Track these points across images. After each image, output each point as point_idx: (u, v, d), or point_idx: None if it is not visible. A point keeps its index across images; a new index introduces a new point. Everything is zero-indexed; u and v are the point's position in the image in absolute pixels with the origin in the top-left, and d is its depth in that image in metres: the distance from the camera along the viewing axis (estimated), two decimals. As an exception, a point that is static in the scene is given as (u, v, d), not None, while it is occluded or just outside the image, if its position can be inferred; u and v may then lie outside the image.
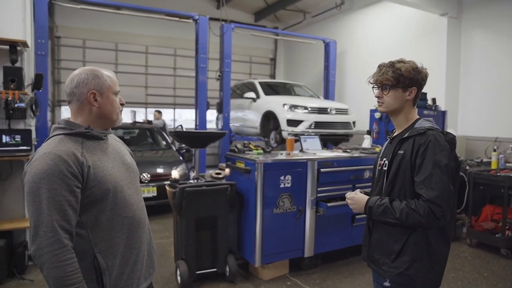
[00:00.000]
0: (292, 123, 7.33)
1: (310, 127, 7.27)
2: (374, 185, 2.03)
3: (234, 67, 8.94)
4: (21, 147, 4.23)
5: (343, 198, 4.21)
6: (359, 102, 9.11)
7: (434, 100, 5.60)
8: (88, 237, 1.55)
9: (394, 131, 2.06)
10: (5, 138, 4.19)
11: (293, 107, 7.46)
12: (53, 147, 1.51)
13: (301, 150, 4.82)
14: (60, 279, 1.41)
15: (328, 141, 7.72)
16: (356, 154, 4.71)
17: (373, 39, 9.31)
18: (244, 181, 4.13)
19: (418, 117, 1.95)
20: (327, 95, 9.68)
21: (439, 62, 7.29)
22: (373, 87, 1.98)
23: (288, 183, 4.06)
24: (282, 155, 4.44)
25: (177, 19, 8.33)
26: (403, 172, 1.83)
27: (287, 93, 9.18)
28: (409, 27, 8.36)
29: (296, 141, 5.11)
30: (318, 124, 7.31)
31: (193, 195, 3.82)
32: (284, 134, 7.24)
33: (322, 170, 4.21)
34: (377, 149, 4.95)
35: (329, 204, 4.13)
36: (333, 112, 7.55)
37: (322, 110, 7.50)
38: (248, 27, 9.57)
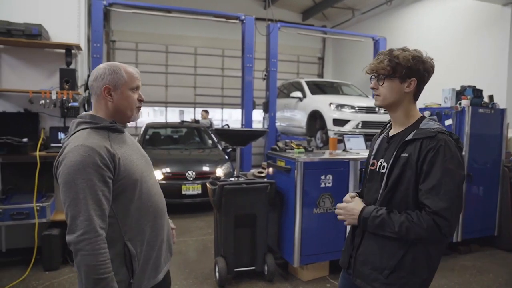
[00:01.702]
0: (339, 122, 7.18)
1: (357, 126, 7.09)
2: (367, 189, 1.82)
3: (281, 66, 8.93)
4: (74, 144, 4.48)
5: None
6: (410, 101, 8.72)
7: (491, 97, 5.22)
8: (118, 226, 1.60)
9: (387, 125, 1.87)
10: (60, 135, 4.47)
11: (340, 106, 7.31)
12: (83, 140, 1.55)
13: (345, 150, 4.69)
14: (92, 268, 1.45)
15: (376, 142, 7.46)
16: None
17: (426, 34, 8.88)
18: (284, 180, 4.09)
19: (421, 115, 1.75)
20: (376, 94, 9.36)
21: (501, 56, 6.82)
22: (370, 78, 1.75)
23: (329, 183, 3.97)
24: (323, 155, 4.35)
25: (224, 20, 8.46)
26: (407, 178, 1.61)
27: (334, 92, 9.01)
28: (467, 20, 7.87)
29: (340, 141, 4.99)
30: (365, 124, 7.10)
31: (232, 193, 3.85)
32: (330, 133, 7.11)
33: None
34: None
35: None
36: (382, 111, 7.29)
37: (370, 110, 7.28)
38: (294, 26, 9.50)
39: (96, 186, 1.50)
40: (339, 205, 1.82)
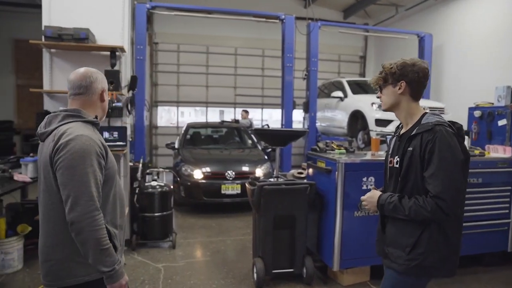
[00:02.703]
0: (381, 122, 6.95)
1: (400, 127, 6.82)
2: (388, 184, 2.10)
3: (321, 66, 8.79)
4: (118, 143, 4.62)
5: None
6: (458, 101, 8.29)
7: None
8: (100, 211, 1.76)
9: (400, 126, 2.14)
10: (105, 134, 4.61)
11: (383, 106, 7.06)
12: (81, 130, 1.74)
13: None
14: (99, 240, 1.64)
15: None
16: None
17: (476, 30, 8.41)
18: (325, 181, 4.00)
19: (424, 111, 1.99)
20: (421, 94, 8.99)
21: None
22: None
23: (371, 185, 3.82)
24: (365, 156, 4.21)
25: (264, 20, 8.45)
26: (414, 169, 1.88)
27: (376, 91, 8.73)
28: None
29: (382, 141, 4.81)
30: (409, 124, 6.82)
31: (271, 193, 3.81)
32: (373, 134, 6.89)
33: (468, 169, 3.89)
34: (476, 152, 4.43)
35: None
36: (427, 111, 6.98)
37: (415, 109, 6.98)
38: (335, 25, 9.33)
39: (96, 172, 1.70)
40: (362, 198, 2.10)
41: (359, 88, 8.65)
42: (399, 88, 1.96)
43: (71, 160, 1.66)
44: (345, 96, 8.22)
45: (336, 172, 3.76)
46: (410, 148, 1.90)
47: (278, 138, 4.22)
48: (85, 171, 1.66)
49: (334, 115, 8.64)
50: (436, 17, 9.66)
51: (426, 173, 1.83)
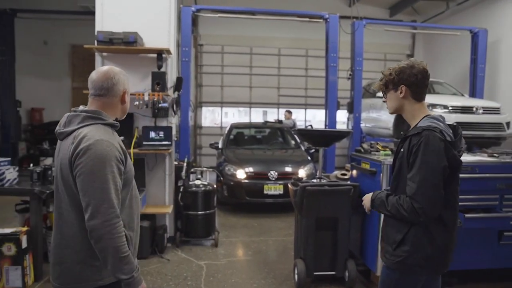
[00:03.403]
0: (429, 123, 6.66)
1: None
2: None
3: (366, 65, 8.58)
4: (164, 142, 4.77)
5: (486, 209, 3.68)
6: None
7: None
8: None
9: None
10: (152, 134, 4.78)
11: (431, 106, 6.79)
12: (101, 134, 1.70)
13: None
14: (118, 248, 1.63)
15: (473, 144, 6.80)
16: (508, 159, 4.02)
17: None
18: (369, 183, 3.89)
19: (426, 114, 2.01)
20: (474, 93, 8.56)
21: None
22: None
23: (418, 188, 3.68)
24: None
25: (307, 19, 8.39)
26: (404, 170, 1.96)
27: (425, 91, 8.39)
28: None
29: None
30: (460, 125, 6.45)
31: (314, 194, 3.76)
32: (420, 135, 6.63)
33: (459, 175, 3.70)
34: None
35: (467, 215, 3.60)
36: (480, 111, 6.62)
37: (466, 109, 6.66)
38: (381, 23, 9.09)
39: (116, 178, 1.68)
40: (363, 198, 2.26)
41: (406, 87, 8.34)
42: (400, 92, 2.01)
43: (92, 166, 1.63)
44: (392, 96, 7.95)
45: (381, 174, 3.65)
46: (402, 150, 1.99)
47: (321, 139, 4.17)
48: (105, 177, 1.64)
49: (379, 116, 8.40)
50: (492, 11, 9.12)
51: (408, 175, 1.91)
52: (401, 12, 11.71)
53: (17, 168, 4.29)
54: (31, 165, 4.69)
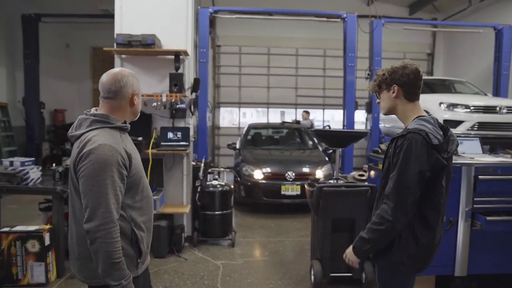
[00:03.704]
0: (450, 123, 6.52)
1: (472, 128, 6.37)
2: None
3: (385, 64, 8.29)
4: (181, 143, 4.82)
5: (509, 212, 3.58)
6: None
7: None
8: (127, 216, 1.80)
9: None
10: (169, 135, 4.84)
11: (452, 106, 6.65)
12: (105, 139, 1.73)
13: (456, 154, 4.23)
14: (109, 253, 1.65)
15: (497, 145, 6.63)
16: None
17: None
18: (386, 184, 3.84)
19: (418, 115, 2.03)
20: (498, 92, 8.34)
21: None
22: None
23: (437, 190, 3.61)
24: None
25: (325, 19, 8.34)
26: (390, 170, 1.96)
27: (445, 90, 8.23)
28: None
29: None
30: (482, 125, 6.34)
31: (330, 195, 3.74)
32: (440, 136, 6.50)
33: (480, 177, 3.61)
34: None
35: (488, 218, 3.51)
36: (504, 111, 6.44)
37: (489, 109, 6.48)
38: (400, 21, 8.95)
39: (116, 183, 1.70)
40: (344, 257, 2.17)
41: (426, 87, 8.17)
42: (393, 92, 2.03)
43: (92, 170, 1.67)
44: (411, 95, 7.83)
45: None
46: (390, 151, 2.02)
47: (338, 139, 4.14)
48: (104, 182, 1.66)
49: (399, 116, 8.26)
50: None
51: (390, 175, 1.94)
52: (421, 10, 11.50)
53: (40, 168, 4.43)
54: (54, 165, 4.82)
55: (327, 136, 4.32)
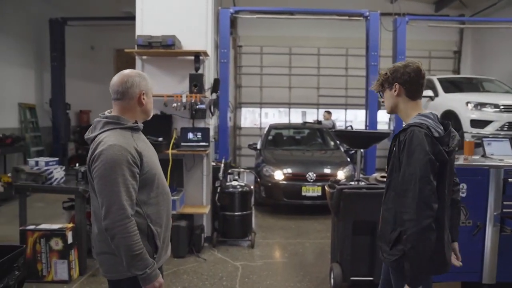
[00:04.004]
0: (478, 123, 6.32)
1: (502, 128, 6.15)
2: None
3: (409, 63, 8.25)
4: (201, 143, 4.84)
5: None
6: None
7: None
8: (143, 213, 1.86)
9: None
10: (189, 135, 4.86)
11: (480, 105, 6.43)
12: (116, 139, 1.80)
13: (484, 155, 4.08)
14: (130, 246, 1.74)
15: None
16: None
17: None
18: (410, 186, 3.73)
19: (418, 112, 2.03)
20: (530, 90, 7.99)
21: None
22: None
23: (462, 193, 3.46)
24: (457, 160, 3.84)
25: (347, 18, 8.22)
26: (396, 167, 1.98)
27: (473, 89, 7.97)
28: None
29: (477, 144, 4.36)
30: (513, 125, 6.11)
31: (351, 197, 3.67)
32: (467, 136, 6.30)
33: (510, 180, 3.46)
34: None
35: (517, 222, 3.37)
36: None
37: (520, 109, 6.22)
38: (425, 18, 8.72)
39: (128, 181, 1.77)
40: None
41: (452, 86, 7.96)
42: (395, 91, 2.06)
43: (103, 170, 1.75)
44: (436, 95, 7.63)
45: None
46: (394, 148, 2.03)
47: (359, 140, 4.05)
48: (116, 181, 1.74)
49: (423, 116, 8.05)
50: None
51: (401, 172, 1.93)
52: (448, 7, 11.18)
53: (64, 168, 4.53)
54: (77, 164, 4.92)
55: (347, 137, 4.23)
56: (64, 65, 9.58)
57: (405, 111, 2.07)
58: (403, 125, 2.04)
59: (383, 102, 2.18)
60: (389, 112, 2.18)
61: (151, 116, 2.03)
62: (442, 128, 1.98)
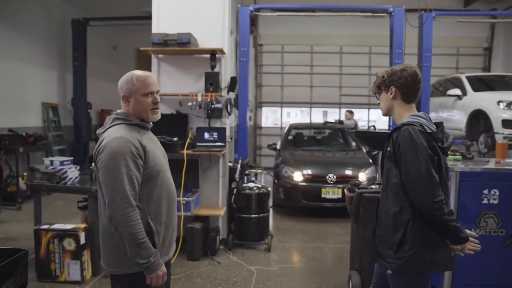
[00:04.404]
0: (510, 124, 5.97)
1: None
2: None
3: (435, 61, 7.93)
4: (217, 143, 4.72)
5: None
6: None
7: None
8: (144, 208, 1.91)
9: None
10: (206, 135, 4.76)
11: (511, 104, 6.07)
12: (121, 133, 1.89)
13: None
14: (133, 235, 1.80)
15: None
16: None
17: None
18: (435, 191, 3.50)
19: (411, 113, 2.07)
20: None
21: None
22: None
23: (494, 199, 3.22)
24: (487, 163, 3.59)
25: (370, 14, 7.95)
26: (391, 167, 2.01)
27: (505, 88, 7.57)
28: None
29: (510, 146, 4.08)
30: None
31: (371, 202, 3.44)
32: (498, 137, 5.97)
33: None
34: None
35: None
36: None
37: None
38: (454, 13, 8.33)
39: (131, 171, 1.83)
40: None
41: (482, 84, 7.58)
42: (391, 93, 2.10)
43: (107, 160, 1.82)
44: (464, 94, 7.29)
45: (448, 182, 3.26)
46: (389, 148, 2.05)
47: (379, 141, 3.81)
48: (119, 170, 1.80)
49: (450, 116, 7.72)
50: None
51: (401, 171, 1.95)
52: (478, 1, 10.68)
53: (78, 167, 4.50)
54: (93, 164, 4.89)
55: (367, 137, 4.02)
56: (86, 65, 9.68)
57: (399, 114, 2.12)
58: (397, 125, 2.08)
59: (379, 103, 2.23)
60: (384, 114, 2.24)
61: (151, 118, 2.04)
62: (435, 127, 2.02)
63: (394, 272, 2.01)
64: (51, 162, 4.31)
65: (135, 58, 11.68)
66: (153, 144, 2.05)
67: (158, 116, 2.07)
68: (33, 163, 7.37)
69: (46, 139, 8.30)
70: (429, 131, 1.94)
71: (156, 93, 2.04)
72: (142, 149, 1.89)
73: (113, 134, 1.88)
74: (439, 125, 2.06)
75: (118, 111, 2.05)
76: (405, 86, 2.06)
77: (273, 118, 12.91)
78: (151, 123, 2.09)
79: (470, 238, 2.00)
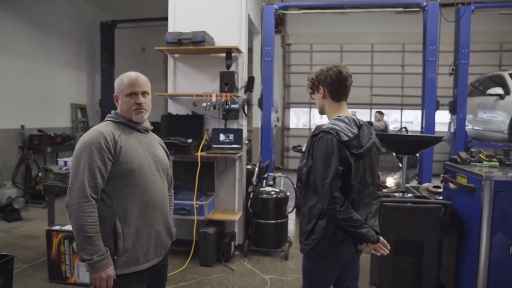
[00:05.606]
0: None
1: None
2: None
3: (474, 58, 7.39)
4: (233, 145, 4.54)
5: None
6: None
7: None
8: (112, 205, 1.87)
9: None
10: (221, 137, 4.59)
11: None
12: (100, 127, 1.93)
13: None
14: (82, 226, 1.76)
15: None
16: None
17: None
18: (467, 202, 3.15)
19: (338, 116, 2.13)
20: None
21: None
22: None
23: (535, 212, 2.85)
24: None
25: (402, 9, 7.53)
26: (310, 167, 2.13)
27: (552, 87, 6.93)
28: None
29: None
30: None
31: (393, 212, 3.17)
32: (543, 141, 5.43)
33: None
34: None
35: None
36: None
37: None
38: (495, 5, 7.72)
39: (94, 162, 1.81)
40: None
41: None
42: (321, 93, 2.18)
43: (75, 150, 1.86)
44: (507, 93, 6.73)
45: (482, 192, 2.90)
46: (310, 149, 2.12)
47: (403, 146, 3.51)
48: (81, 160, 1.81)
49: (491, 117, 7.16)
50: None
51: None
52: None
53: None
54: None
55: (390, 142, 3.68)
56: (114, 66, 9.79)
57: (329, 112, 2.19)
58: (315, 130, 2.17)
59: (315, 104, 2.31)
60: (320, 113, 2.30)
61: (135, 118, 2.02)
62: (355, 131, 2.05)
63: (304, 256, 2.22)
64: (65, 163, 4.28)
65: (163, 60, 11.73)
66: (137, 144, 1.99)
67: (143, 117, 2.03)
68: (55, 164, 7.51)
69: (73, 139, 8.45)
70: (345, 138, 1.99)
71: (142, 94, 2.00)
72: (114, 143, 1.88)
73: (93, 128, 1.93)
74: (361, 126, 2.10)
75: (113, 111, 2.09)
76: (331, 85, 2.14)
77: (305, 119, 12.62)
78: (148, 125, 2.11)
79: (380, 243, 2.18)
